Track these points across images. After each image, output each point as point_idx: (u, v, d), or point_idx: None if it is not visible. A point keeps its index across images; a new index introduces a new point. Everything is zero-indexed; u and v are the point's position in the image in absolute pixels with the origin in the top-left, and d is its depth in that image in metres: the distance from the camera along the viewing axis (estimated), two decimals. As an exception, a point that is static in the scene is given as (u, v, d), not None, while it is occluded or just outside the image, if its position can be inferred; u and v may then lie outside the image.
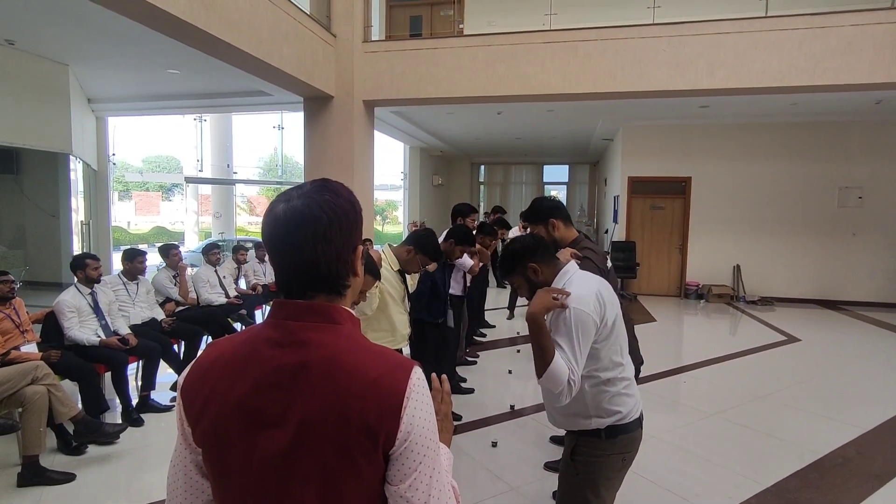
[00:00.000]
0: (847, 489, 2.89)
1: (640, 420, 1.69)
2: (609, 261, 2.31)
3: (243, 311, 5.48)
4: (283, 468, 0.73)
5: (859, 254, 8.59)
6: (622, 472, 1.68)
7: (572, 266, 1.71)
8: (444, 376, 1.12)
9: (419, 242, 2.92)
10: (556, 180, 15.71)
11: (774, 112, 8.02)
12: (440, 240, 3.92)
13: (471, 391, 4.32)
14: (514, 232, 8.22)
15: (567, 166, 15.43)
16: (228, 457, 0.76)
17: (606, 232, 10.85)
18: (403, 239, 3.25)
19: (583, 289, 1.59)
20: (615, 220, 9.94)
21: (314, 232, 0.78)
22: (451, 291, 4.06)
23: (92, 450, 3.22)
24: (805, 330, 6.80)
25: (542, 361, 1.50)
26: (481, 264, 4.78)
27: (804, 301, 8.73)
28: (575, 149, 12.95)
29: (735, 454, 3.31)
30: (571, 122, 9.24)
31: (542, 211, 2.28)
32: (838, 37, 5.53)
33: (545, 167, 15.47)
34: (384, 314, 2.85)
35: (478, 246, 4.50)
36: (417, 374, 0.78)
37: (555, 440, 3.41)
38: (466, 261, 4.15)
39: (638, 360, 2.32)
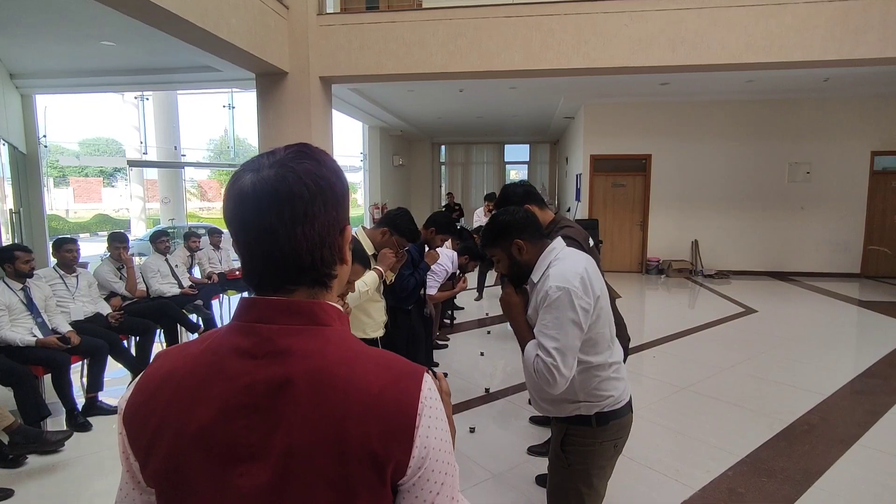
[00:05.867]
0: (815, 455, 2.98)
1: (630, 404, 1.61)
2: (591, 240, 2.21)
3: (199, 302, 5.17)
4: None
5: (807, 227, 8.99)
6: (614, 460, 1.61)
7: (559, 243, 1.60)
8: (440, 373, 0.99)
9: (394, 223, 2.73)
10: (518, 160, 15.67)
11: (731, 90, 8.18)
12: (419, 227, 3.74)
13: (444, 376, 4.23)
14: (479, 214, 8.12)
15: (528, 146, 15.39)
16: (191, 500, 0.60)
17: (569, 210, 10.91)
18: (364, 221, 3.07)
19: (567, 267, 1.49)
20: (578, 199, 10.00)
21: (293, 210, 0.62)
22: (429, 291, 3.97)
23: (32, 460, 2.92)
24: (760, 301, 7.06)
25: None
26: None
27: (757, 273, 9.09)
28: (536, 128, 12.91)
29: (708, 427, 3.36)
30: (533, 100, 9.15)
31: (515, 198, 2.15)
32: (793, 14, 5.62)
33: (506, 147, 15.38)
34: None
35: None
36: (428, 382, 0.64)
37: (535, 421, 3.36)
38: (444, 253, 4.01)
39: (625, 339, 2.25)
